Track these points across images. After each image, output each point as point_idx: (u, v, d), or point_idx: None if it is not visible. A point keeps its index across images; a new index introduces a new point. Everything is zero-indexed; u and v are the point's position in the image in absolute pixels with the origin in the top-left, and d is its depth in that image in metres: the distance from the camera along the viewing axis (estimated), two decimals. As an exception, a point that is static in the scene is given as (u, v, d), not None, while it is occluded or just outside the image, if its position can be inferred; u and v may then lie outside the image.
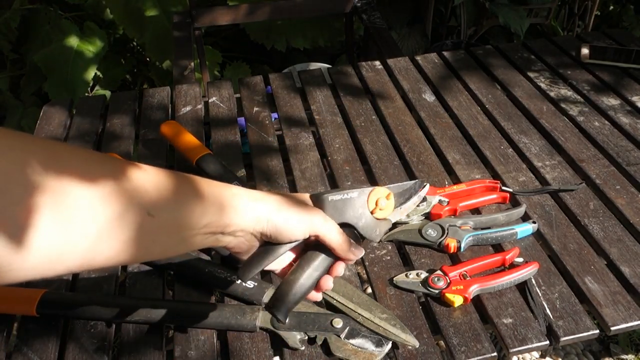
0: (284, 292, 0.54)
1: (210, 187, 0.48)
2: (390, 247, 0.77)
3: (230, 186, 0.50)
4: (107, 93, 1.91)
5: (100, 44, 1.81)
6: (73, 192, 0.36)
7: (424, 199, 0.81)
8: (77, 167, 0.38)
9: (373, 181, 0.89)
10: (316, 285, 0.55)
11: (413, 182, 0.61)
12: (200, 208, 0.46)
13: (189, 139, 0.92)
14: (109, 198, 0.39)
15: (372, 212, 0.57)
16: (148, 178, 0.43)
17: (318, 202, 0.57)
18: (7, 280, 0.35)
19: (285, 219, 0.51)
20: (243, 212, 0.49)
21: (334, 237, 0.54)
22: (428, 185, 0.62)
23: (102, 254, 0.40)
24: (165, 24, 1.81)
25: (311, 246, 0.56)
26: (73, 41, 1.78)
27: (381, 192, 0.58)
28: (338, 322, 0.65)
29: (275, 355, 0.65)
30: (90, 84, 1.83)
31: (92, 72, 1.79)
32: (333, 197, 0.56)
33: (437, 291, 0.69)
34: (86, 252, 0.39)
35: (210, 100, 1.09)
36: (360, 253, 0.56)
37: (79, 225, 0.37)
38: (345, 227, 0.56)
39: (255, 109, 1.07)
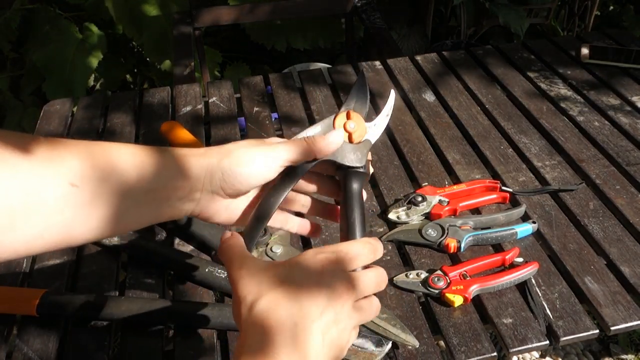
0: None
1: (146, 151, 0.43)
2: (390, 247, 0.78)
3: (170, 148, 0.45)
4: (107, 93, 1.91)
5: (100, 44, 1.81)
6: None
7: (424, 199, 0.81)
8: None
9: (373, 181, 0.89)
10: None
11: (361, 81, 0.57)
12: (135, 174, 0.41)
13: (189, 139, 0.92)
14: (18, 174, 0.35)
15: (349, 141, 0.52)
16: (66, 149, 0.39)
17: None
18: None
19: (241, 160, 0.45)
20: (189, 170, 0.44)
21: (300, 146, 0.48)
22: (393, 93, 0.59)
23: (26, 236, 0.36)
24: (164, 24, 1.81)
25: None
26: (72, 41, 1.78)
27: (343, 116, 0.53)
28: (338, 322, 0.65)
29: (275, 355, 0.65)
30: (90, 85, 1.83)
31: (91, 73, 1.79)
32: (297, 136, 0.52)
33: (437, 291, 0.69)
34: (9, 235, 0.35)
35: (210, 100, 1.09)
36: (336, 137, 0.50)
37: None
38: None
39: (255, 109, 1.07)
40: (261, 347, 0.37)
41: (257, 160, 0.46)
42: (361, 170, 0.52)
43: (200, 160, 0.45)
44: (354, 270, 0.43)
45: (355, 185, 0.51)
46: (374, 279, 0.44)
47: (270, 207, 0.49)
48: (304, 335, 0.38)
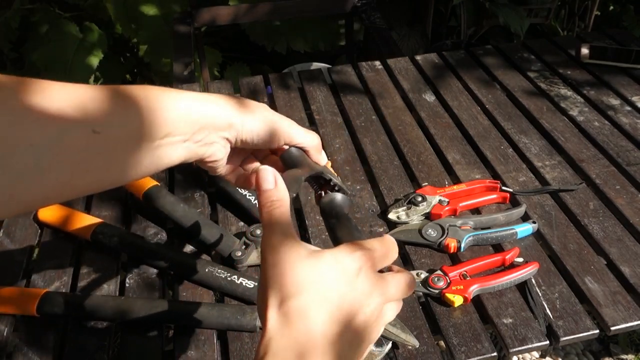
0: None
1: (164, 93, 0.43)
2: (390, 247, 0.77)
3: (186, 92, 0.45)
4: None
5: (100, 43, 1.81)
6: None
7: (424, 199, 0.81)
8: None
9: (373, 181, 0.89)
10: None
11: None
12: (155, 117, 0.41)
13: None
14: (42, 121, 0.35)
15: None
16: (84, 94, 0.38)
17: None
18: None
19: (257, 122, 0.47)
20: (210, 117, 0.44)
21: (310, 139, 0.50)
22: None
23: (54, 186, 0.37)
24: (162, 24, 1.81)
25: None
26: (72, 41, 1.78)
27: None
28: (338, 322, 0.65)
29: (275, 355, 0.65)
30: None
31: (91, 72, 1.79)
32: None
33: (437, 291, 0.69)
34: (33, 188, 0.35)
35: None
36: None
37: (13, 160, 0.34)
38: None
39: (255, 109, 1.06)
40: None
41: (263, 135, 0.48)
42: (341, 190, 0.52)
43: (219, 109, 0.46)
44: (383, 270, 0.43)
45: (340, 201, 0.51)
46: (406, 285, 0.43)
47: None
48: (333, 351, 0.37)
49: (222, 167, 0.51)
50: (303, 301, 0.37)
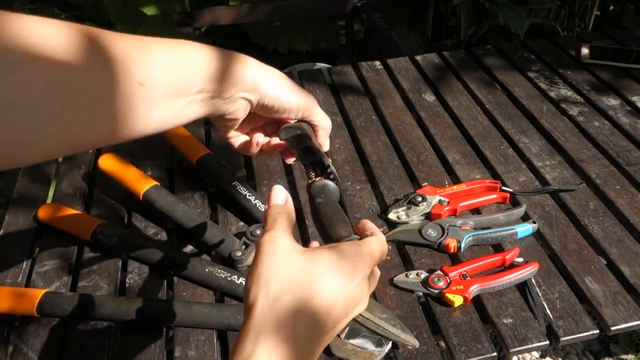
0: None
1: (202, 51, 0.45)
2: (390, 247, 0.77)
3: (220, 50, 0.47)
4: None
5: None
6: (60, 68, 0.35)
7: (424, 199, 0.81)
8: (58, 40, 0.36)
9: (373, 181, 0.89)
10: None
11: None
12: (193, 74, 0.44)
13: (189, 139, 0.92)
14: (97, 70, 0.37)
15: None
16: (134, 46, 0.40)
17: None
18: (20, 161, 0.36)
19: (282, 89, 0.49)
20: (240, 77, 0.47)
21: (325, 119, 0.54)
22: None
23: (100, 129, 0.39)
24: (162, 25, 1.81)
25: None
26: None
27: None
28: (338, 322, 0.65)
29: (275, 355, 0.65)
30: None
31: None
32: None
33: (437, 291, 0.69)
34: (82, 129, 0.37)
35: (210, 100, 1.09)
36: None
37: (72, 100, 0.36)
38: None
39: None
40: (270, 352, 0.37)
41: (294, 106, 0.51)
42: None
43: (253, 71, 0.48)
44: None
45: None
46: (382, 255, 0.46)
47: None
48: (315, 349, 0.40)
49: (234, 128, 0.52)
50: (289, 300, 0.39)
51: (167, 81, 0.42)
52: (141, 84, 0.40)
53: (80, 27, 0.38)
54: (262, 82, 0.48)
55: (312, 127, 0.54)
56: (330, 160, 0.53)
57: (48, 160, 0.95)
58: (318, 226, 0.49)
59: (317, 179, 0.52)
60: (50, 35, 0.36)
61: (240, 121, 0.51)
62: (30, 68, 0.34)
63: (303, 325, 0.39)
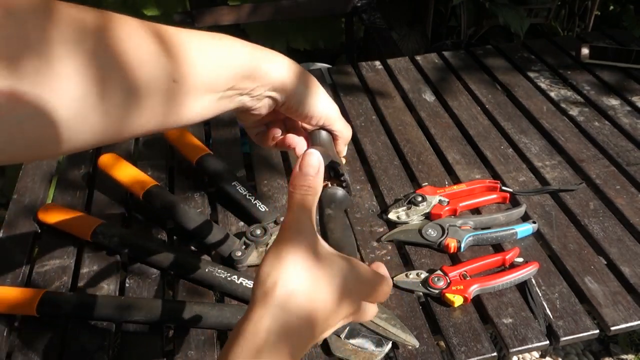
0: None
1: (238, 48, 0.46)
2: (390, 247, 0.78)
3: (253, 47, 0.47)
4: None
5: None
6: (100, 61, 0.35)
7: (424, 199, 0.81)
8: (99, 33, 0.36)
9: (373, 181, 0.89)
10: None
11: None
12: (224, 72, 0.44)
13: (189, 139, 0.92)
14: (135, 67, 0.37)
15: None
16: (170, 40, 0.40)
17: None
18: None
19: (309, 95, 0.50)
20: (270, 77, 0.47)
21: (345, 130, 0.54)
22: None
23: (134, 122, 0.39)
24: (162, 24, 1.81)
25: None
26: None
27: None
28: (338, 322, 0.65)
29: (275, 355, 0.65)
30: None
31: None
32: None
33: (437, 291, 0.69)
34: (118, 121, 0.38)
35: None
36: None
37: (108, 94, 0.36)
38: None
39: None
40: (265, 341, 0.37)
41: (316, 112, 0.51)
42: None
43: (281, 71, 0.48)
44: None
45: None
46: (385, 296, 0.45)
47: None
48: (302, 347, 0.39)
49: (254, 121, 0.52)
50: (299, 295, 0.38)
51: (200, 78, 0.42)
52: (175, 81, 0.40)
53: (116, 18, 0.38)
54: (291, 85, 0.48)
55: (332, 135, 0.54)
56: (345, 161, 0.53)
57: (50, 161, 0.95)
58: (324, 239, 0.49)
59: (329, 184, 0.52)
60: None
61: (262, 116, 0.51)
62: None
63: (305, 324, 0.38)
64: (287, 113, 0.51)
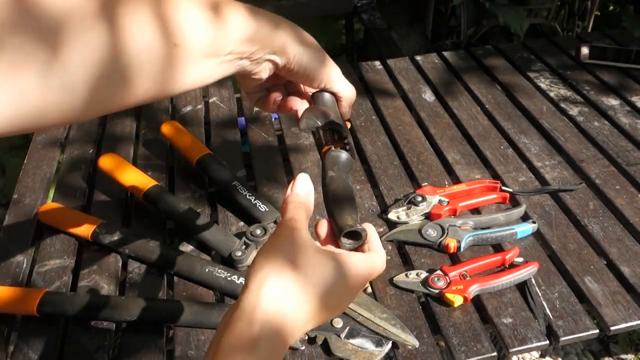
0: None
1: (239, 11, 0.45)
2: (390, 247, 0.78)
3: (255, 10, 0.46)
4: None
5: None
6: (97, 29, 0.35)
7: (424, 199, 0.81)
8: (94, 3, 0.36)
9: (373, 181, 0.89)
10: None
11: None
12: (225, 36, 0.44)
13: (189, 139, 0.92)
14: (135, 31, 0.37)
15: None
16: (169, 9, 0.40)
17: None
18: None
19: (309, 56, 0.49)
20: (271, 40, 0.47)
21: (348, 89, 0.53)
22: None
23: (137, 88, 0.39)
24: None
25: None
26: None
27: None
28: (338, 322, 0.65)
29: (275, 355, 0.65)
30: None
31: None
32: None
33: (437, 291, 0.69)
34: (120, 87, 0.38)
35: (210, 100, 1.10)
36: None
37: (110, 60, 0.36)
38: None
39: (256, 109, 1.07)
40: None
41: (317, 75, 0.51)
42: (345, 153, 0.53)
43: (282, 35, 0.48)
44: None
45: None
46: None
47: None
48: (295, 334, 0.39)
49: (255, 85, 0.52)
50: (291, 287, 0.39)
51: (201, 43, 0.42)
52: (176, 44, 0.40)
53: None
54: (291, 47, 0.48)
55: (336, 96, 0.54)
56: (349, 125, 0.53)
57: (51, 158, 0.95)
58: (326, 202, 0.49)
59: (332, 147, 0.52)
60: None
61: (263, 80, 0.51)
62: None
63: (293, 314, 0.39)
64: (288, 76, 0.51)
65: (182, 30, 0.40)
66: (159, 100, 0.43)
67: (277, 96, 0.54)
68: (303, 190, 0.47)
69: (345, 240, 0.46)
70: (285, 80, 0.54)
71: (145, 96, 0.40)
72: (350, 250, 0.46)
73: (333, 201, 0.48)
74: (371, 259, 0.45)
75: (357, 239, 0.47)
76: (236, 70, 0.47)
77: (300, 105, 0.54)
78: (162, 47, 0.39)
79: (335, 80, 0.52)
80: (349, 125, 0.54)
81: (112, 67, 0.36)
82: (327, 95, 0.53)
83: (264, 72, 0.49)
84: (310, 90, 0.55)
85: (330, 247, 0.45)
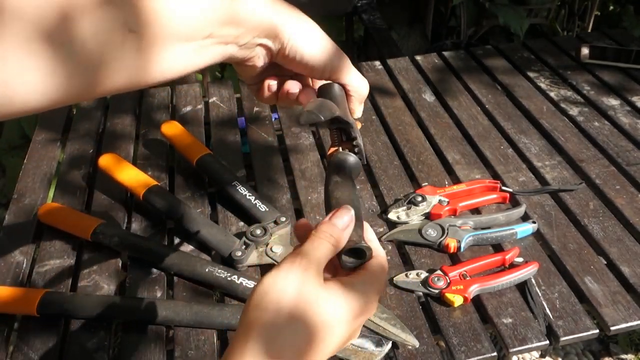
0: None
1: None
2: (390, 247, 0.78)
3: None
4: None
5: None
6: (46, 17, 0.32)
7: (424, 199, 0.81)
8: None
9: (373, 181, 0.89)
10: None
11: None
12: (198, 16, 0.38)
13: (189, 139, 0.92)
14: (79, 19, 0.33)
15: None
16: None
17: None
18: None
19: (308, 41, 0.43)
20: (258, 21, 0.41)
21: (359, 83, 0.47)
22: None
23: (88, 82, 0.35)
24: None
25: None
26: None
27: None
28: (338, 322, 0.65)
29: (275, 355, 0.65)
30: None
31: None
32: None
33: (437, 291, 0.69)
34: (75, 79, 0.34)
35: (210, 100, 1.09)
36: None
37: (53, 52, 0.32)
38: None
39: (255, 109, 1.07)
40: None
41: (317, 62, 0.45)
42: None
43: (270, 13, 0.42)
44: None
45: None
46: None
47: None
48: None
49: (253, 75, 0.47)
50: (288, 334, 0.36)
51: (167, 27, 0.37)
52: (131, 30, 0.35)
53: None
54: (285, 30, 0.42)
55: (345, 90, 0.48)
56: (360, 126, 0.47)
57: (51, 158, 0.95)
58: (327, 210, 0.44)
59: (339, 149, 0.46)
60: None
61: (259, 69, 0.45)
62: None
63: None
64: (286, 64, 0.45)
65: (140, 15, 0.35)
66: (131, 90, 0.40)
67: (271, 82, 0.48)
68: (342, 223, 0.40)
69: (346, 259, 0.41)
70: (291, 72, 0.48)
71: (111, 87, 0.37)
72: (351, 269, 0.41)
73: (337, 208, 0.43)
74: (372, 283, 0.40)
75: (361, 257, 0.41)
76: (223, 57, 0.42)
77: (302, 93, 0.47)
78: (112, 36, 0.35)
79: (345, 71, 0.46)
80: (359, 125, 0.48)
81: (61, 59, 0.33)
82: (336, 88, 0.47)
83: (257, 59, 0.44)
84: (317, 83, 0.49)
85: (333, 286, 0.39)
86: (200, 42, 0.39)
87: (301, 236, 0.42)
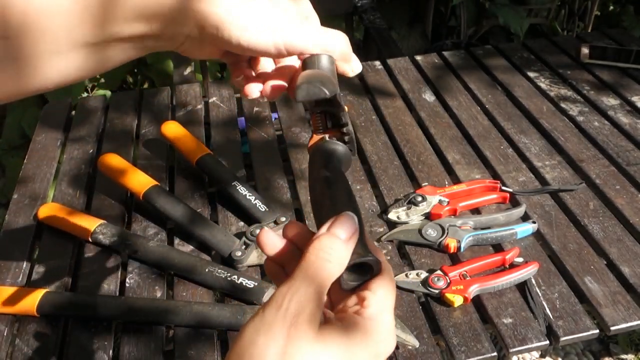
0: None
1: None
2: (390, 247, 0.78)
3: None
4: (107, 93, 1.91)
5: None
6: None
7: (424, 199, 0.81)
8: None
9: (373, 181, 0.89)
10: None
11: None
12: (87, 17, 0.33)
13: (189, 139, 0.92)
14: None
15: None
16: None
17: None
18: None
19: (250, 20, 0.35)
20: (170, 13, 0.34)
21: (331, 42, 0.38)
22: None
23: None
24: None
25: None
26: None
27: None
28: (338, 322, 0.65)
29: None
30: (88, 85, 1.82)
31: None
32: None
33: (437, 291, 0.69)
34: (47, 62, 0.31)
35: (210, 100, 1.09)
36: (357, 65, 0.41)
37: None
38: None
39: (255, 109, 1.07)
40: None
41: (259, 39, 0.36)
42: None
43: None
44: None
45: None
46: None
47: None
48: None
49: (215, 58, 0.40)
50: None
51: (41, 31, 0.32)
52: (4, 36, 0.31)
53: None
54: (199, 11, 0.34)
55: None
56: (347, 108, 0.39)
57: (51, 158, 0.95)
58: (317, 213, 0.35)
59: (326, 137, 0.38)
60: None
61: (202, 53, 0.38)
62: None
63: None
64: (229, 49, 0.37)
65: (10, 20, 0.31)
66: (17, 98, 0.35)
67: (237, 73, 0.41)
68: (344, 235, 0.32)
69: (347, 277, 0.33)
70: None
71: None
72: (354, 288, 0.33)
73: (332, 212, 0.33)
74: (377, 331, 0.32)
75: (364, 273, 0.33)
76: (143, 51, 0.36)
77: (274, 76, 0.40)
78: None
79: (307, 39, 0.37)
80: (347, 108, 0.39)
81: None
82: (323, 59, 0.38)
83: (188, 50, 0.37)
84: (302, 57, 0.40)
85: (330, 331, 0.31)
86: (102, 43, 0.34)
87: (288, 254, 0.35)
